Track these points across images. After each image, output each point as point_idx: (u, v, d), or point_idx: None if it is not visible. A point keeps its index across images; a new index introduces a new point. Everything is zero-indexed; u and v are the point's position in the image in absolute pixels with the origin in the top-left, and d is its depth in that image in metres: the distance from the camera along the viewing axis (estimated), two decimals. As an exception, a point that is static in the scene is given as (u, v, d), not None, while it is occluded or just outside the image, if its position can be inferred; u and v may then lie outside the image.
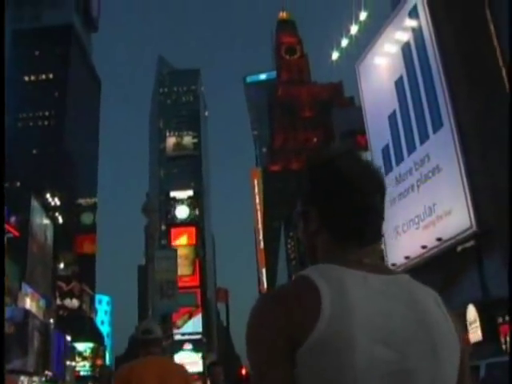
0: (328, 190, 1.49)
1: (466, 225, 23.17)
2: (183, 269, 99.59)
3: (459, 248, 24.04)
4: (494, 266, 21.12)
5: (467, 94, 24.01)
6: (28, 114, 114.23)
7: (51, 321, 54.88)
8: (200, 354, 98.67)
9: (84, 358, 73.43)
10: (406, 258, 28.01)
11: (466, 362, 1.44)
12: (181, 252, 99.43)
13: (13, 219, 39.76)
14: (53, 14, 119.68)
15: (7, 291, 41.05)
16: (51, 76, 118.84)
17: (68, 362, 60.73)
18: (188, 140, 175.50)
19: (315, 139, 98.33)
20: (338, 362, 1.24)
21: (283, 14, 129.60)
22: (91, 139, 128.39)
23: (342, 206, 1.46)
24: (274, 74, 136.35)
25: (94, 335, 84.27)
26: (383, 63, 31.33)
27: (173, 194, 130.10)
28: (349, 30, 35.89)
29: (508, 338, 20.04)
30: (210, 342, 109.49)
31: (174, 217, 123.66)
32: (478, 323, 21.49)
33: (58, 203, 66.77)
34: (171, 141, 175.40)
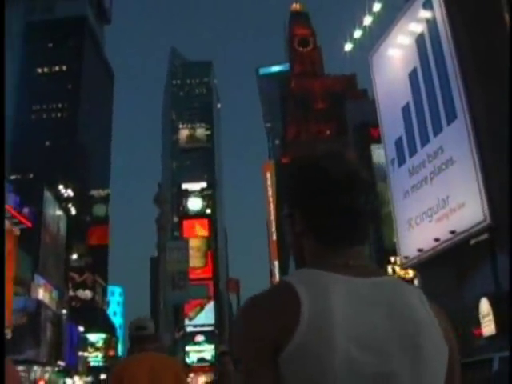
0: (311, 192, 1.47)
1: (479, 218, 23.02)
2: (195, 261, 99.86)
3: (472, 241, 23.90)
4: (508, 259, 20.97)
5: (481, 86, 23.81)
6: (41, 106, 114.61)
7: (64, 312, 55.18)
8: (212, 346, 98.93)
9: (96, 349, 73.75)
10: (419, 250, 27.92)
11: (454, 361, 1.42)
12: (193, 244, 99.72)
13: (26, 210, 39.86)
14: (66, 5, 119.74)
15: (20, 282, 41.30)
16: (64, 68, 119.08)
17: (80, 353, 61.08)
18: (201, 132, 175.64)
19: (328, 131, 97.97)
20: (319, 366, 1.25)
21: (296, 6, 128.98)
22: (104, 131, 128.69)
23: (325, 207, 1.45)
24: (286, 66, 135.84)
25: (107, 326, 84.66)
26: (397, 55, 31.14)
27: (185, 186, 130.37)
28: (362, 22, 35.62)
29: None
30: (222, 334, 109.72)
31: (187, 209, 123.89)
32: (491, 316, 21.38)
33: (71, 195, 66.95)
34: (184, 133, 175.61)
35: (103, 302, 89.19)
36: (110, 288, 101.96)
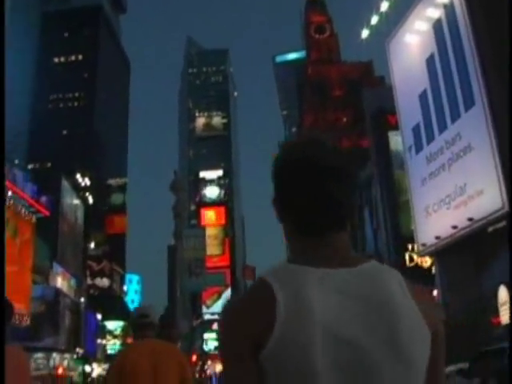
0: (284, 180, 1.48)
1: (497, 205, 22.84)
2: (213, 249, 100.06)
3: (490, 228, 23.73)
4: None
5: (499, 71, 23.53)
6: (58, 96, 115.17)
7: (82, 300, 55.53)
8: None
9: (114, 337, 74.16)
10: (437, 238, 27.80)
11: (438, 346, 1.40)
12: (210, 232, 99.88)
13: (43, 199, 40.06)
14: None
15: (38, 270, 41.57)
16: (81, 57, 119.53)
17: (99, 340, 61.54)
18: (217, 120, 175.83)
19: (345, 119, 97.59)
20: (299, 361, 1.26)
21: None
22: (121, 120, 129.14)
23: (297, 195, 1.44)
24: (303, 53, 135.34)
25: (125, 314, 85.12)
26: (414, 41, 30.89)
27: (202, 174, 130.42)
28: (379, 8, 35.36)
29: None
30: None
31: (204, 197, 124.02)
32: (508, 304, 21.22)
33: (88, 183, 67.15)
34: (200, 121, 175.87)
35: (121, 290, 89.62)
36: (128, 276, 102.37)
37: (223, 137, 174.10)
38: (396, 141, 40.31)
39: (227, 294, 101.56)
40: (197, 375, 53.57)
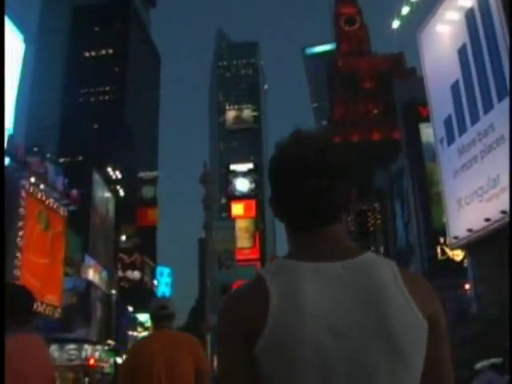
0: (276, 180, 1.51)
1: (531, 197, 22.43)
2: (243, 241, 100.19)
3: (524, 221, 23.34)
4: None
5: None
6: (89, 90, 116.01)
7: (113, 292, 55.94)
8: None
9: (145, 329, 74.46)
10: (469, 230, 27.47)
11: (437, 337, 1.40)
12: (241, 225, 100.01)
13: (74, 192, 40.37)
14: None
15: (70, 262, 41.98)
16: (111, 51, 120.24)
17: (130, 332, 61.97)
18: (247, 113, 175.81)
19: (375, 111, 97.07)
20: (291, 356, 1.29)
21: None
22: (151, 113, 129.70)
23: (288, 194, 1.47)
24: (333, 45, 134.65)
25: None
26: (446, 31, 30.48)
27: (233, 167, 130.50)
28: (410, -2, 34.99)
29: None
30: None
31: (235, 190, 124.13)
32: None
33: (120, 176, 67.56)
34: (231, 114, 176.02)
35: (152, 283, 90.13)
36: (159, 269, 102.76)
37: (254, 130, 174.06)
38: (427, 133, 39.96)
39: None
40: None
